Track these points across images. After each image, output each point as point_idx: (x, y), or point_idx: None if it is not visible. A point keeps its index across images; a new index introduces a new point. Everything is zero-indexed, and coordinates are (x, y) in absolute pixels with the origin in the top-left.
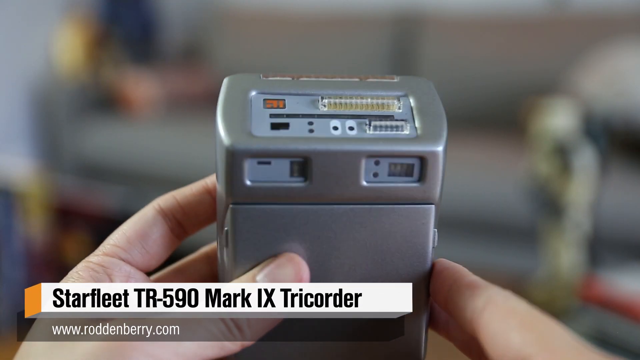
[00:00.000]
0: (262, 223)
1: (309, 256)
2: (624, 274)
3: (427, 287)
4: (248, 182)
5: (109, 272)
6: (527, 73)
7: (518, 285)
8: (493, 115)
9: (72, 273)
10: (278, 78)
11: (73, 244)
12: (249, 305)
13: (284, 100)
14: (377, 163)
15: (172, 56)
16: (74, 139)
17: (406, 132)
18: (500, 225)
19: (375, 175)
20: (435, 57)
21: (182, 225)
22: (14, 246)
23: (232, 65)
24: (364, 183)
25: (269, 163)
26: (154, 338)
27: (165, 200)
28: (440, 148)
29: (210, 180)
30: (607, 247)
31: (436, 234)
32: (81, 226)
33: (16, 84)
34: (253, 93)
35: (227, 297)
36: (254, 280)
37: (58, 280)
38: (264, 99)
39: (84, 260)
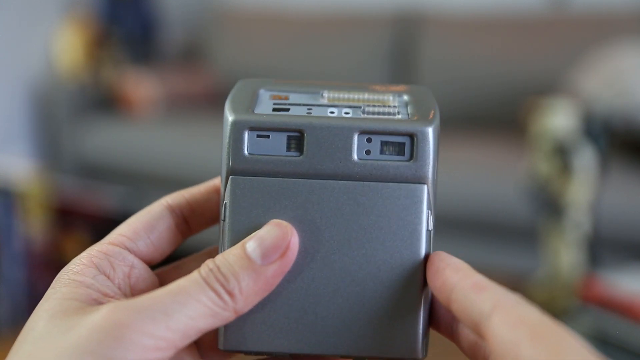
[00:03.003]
0: (258, 195)
1: (302, 230)
2: (624, 274)
3: (422, 270)
4: (247, 154)
5: (111, 260)
6: (527, 73)
7: (518, 285)
8: (493, 115)
9: (75, 260)
10: (287, 81)
11: (73, 244)
12: (240, 273)
13: (289, 95)
14: (369, 141)
15: (172, 56)
16: (74, 139)
17: (398, 116)
18: (500, 225)
19: (368, 152)
20: (435, 57)
21: (188, 222)
22: (14, 246)
23: (232, 65)
24: (356, 159)
25: (267, 137)
26: (145, 315)
27: (173, 197)
28: (429, 128)
29: (219, 180)
30: (607, 247)
31: (430, 216)
32: (81, 226)
33: (16, 84)
34: (261, 90)
35: (216, 266)
36: (243, 248)
37: None
38: (270, 94)
39: (88, 249)
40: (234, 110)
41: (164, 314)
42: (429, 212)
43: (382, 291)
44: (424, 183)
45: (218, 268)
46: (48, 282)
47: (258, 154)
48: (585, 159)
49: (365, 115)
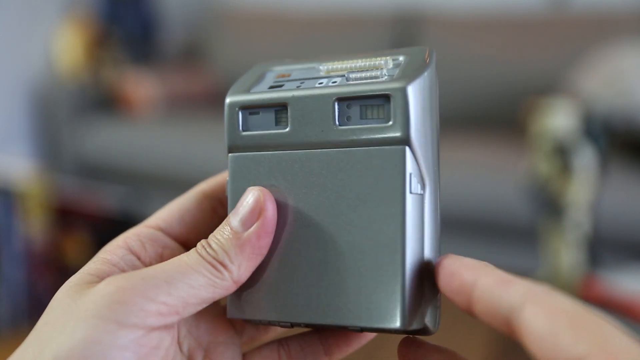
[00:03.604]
0: (252, 170)
1: (292, 200)
2: (624, 274)
3: (401, 235)
4: (241, 131)
5: (144, 241)
6: (527, 73)
7: None
8: (493, 115)
9: (112, 241)
10: (299, 59)
11: (73, 244)
12: (226, 244)
13: (292, 72)
14: (349, 107)
15: (172, 56)
16: (74, 139)
17: (382, 79)
18: (500, 225)
19: (349, 118)
20: (435, 57)
21: (223, 205)
22: (14, 246)
23: (232, 65)
24: (338, 126)
25: (257, 113)
26: (148, 281)
27: (208, 182)
28: (404, 85)
29: None
30: (607, 247)
31: (413, 178)
32: (81, 226)
33: (16, 84)
34: (270, 70)
35: (207, 242)
36: (227, 221)
37: (58, 280)
38: (276, 74)
39: (125, 232)
40: (231, 92)
41: (166, 281)
42: (411, 174)
43: (363, 259)
44: (405, 144)
45: (208, 244)
46: (48, 282)
47: (251, 131)
48: (585, 159)
49: (347, 82)
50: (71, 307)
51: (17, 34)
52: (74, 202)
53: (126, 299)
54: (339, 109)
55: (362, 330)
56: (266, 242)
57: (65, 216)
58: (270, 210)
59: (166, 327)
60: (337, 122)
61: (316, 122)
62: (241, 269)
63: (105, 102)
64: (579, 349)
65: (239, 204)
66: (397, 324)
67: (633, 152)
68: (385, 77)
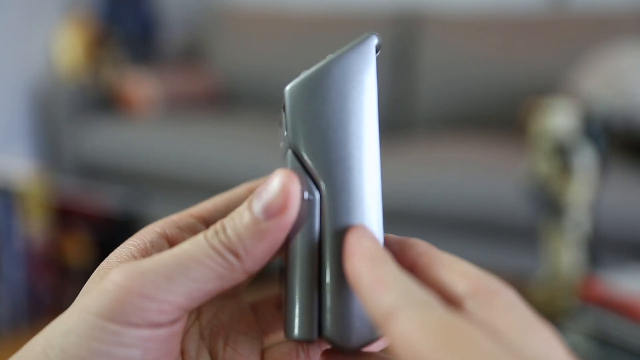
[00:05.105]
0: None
1: None
2: (624, 274)
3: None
4: (282, 130)
5: (182, 229)
6: (527, 73)
7: (518, 285)
8: (493, 115)
9: (150, 225)
10: None
11: (73, 244)
12: (244, 231)
13: None
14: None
15: (172, 56)
16: (74, 139)
17: None
18: (500, 225)
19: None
20: (435, 57)
21: None
22: (14, 246)
23: (232, 65)
24: (284, 132)
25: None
26: (147, 278)
27: (255, 182)
28: (286, 89)
29: None
30: (607, 247)
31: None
32: (81, 226)
33: (16, 84)
34: None
35: (222, 227)
36: (249, 204)
37: (58, 280)
38: None
39: (165, 217)
40: None
41: (166, 277)
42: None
43: (290, 269)
44: (290, 148)
45: (224, 229)
46: (48, 282)
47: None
48: (585, 159)
49: None
50: (77, 301)
51: (17, 34)
52: (74, 202)
53: (125, 298)
54: (284, 116)
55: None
56: (285, 234)
57: (65, 216)
58: (297, 201)
59: (173, 321)
60: (284, 129)
61: (284, 127)
62: (255, 261)
63: (105, 102)
64: None
65: (262, 187)
66: (292, 334)
67: (633, 152)
68: None
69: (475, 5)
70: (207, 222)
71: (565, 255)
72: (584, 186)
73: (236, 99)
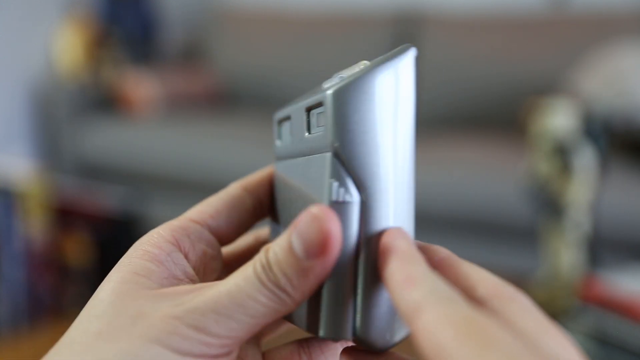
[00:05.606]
0: (279, 176)
1: (282, 209)
2: (624, 274)
3: None
4: (276, 142)
5: (192, 237)
6: (527, 73)
7: (518, 285)
8: (493, 115)
9: (155, 231)
10: None
11: (73, 244)
12: (288, 270)
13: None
14: (312, 116)
15: (172, 56)
16: (74, 139)
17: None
18: (500, 225)
19: (312, 127)
20: (435, 57)
21: (262, 205)
22: (14, 246)
23: (232, 65)
24: (307, 135)
25: (283, 125)
26: (210, 317)
27: (246, 180)
28: (328, 92)
29: None
30: (607, 247)
31: (334, 185)
32: (81, 226)
33: (16, 84)
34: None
35: (267, 262)
36: (289, 241)
37: (58, 280)
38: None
39: (168, 222)
40: (288, 104)
41: (227, 317)
42: (331, 180)
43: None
44: (332, 151)
45: (270, 266)
46: (48, 282)
47: (279, 142)
48: (585, 159)
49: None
50: (129, 326)
51: (17, 34)
52: (74, 202)
53: (186, 333)
54: (307, 118)
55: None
56: (330, 268)
57: (65, 216)
58: (338, 240)
59: (231, 352)
60: (306, 132)
61: (298, 132)
62: (304, 294)
63: (105, 102)
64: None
65: (301, 222)
66: (329, 333)
67: (633, 152)
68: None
69: (475, 5)
70: (212, 229)
71: (565, 255)
72: (584, 186)
73: (236, 99)
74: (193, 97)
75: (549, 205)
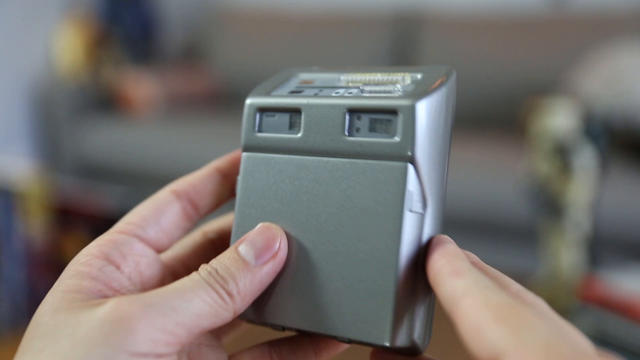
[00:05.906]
0: (263, 171)
1: (295, 205)
2: (624, 274)
3: (396, 252)
4: (257, 132)
5: (122, 249)
6: (527, 73)
7: None
8: (493, 115)
9: (84, 251)
10: (326, 67)
11: (73, 244)
12: (237, 274)
13: (315, 80)
14: (359, 118)
15: (172, 56)
16: (74, 139)
17: (394, 94)
18: (500, 225)
19: (358, 130)
20: (435, 57)
21: (195, 206)
22: (14, 246)
23: (232, 65)
24: (347, 136)
25: (273, 116)
26: (156, 309)
27: (177, 183)
28: (413, 102)
29: (221, 160)
30: (607, 247)
31: (413, 196)
32: (81, 226)
33: (16, 84)
34: (295, 75)
35: (213, 268)
36: (236, 250)
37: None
38: (301, 79)
39: (97, 239)
40: (253, 93)
41: (173, 310)
42: (411, 192)
43: (358, 271)
44: (408, 161)
45: (216, 270)
46: (48, 282)
47: (266, 133)
48: (585, 159)
49: (361, 94)
50: (70, 333)
51: (17, 34)
52: (74, 202)
53: (134, 327)
54: (349, 120)
55: (351, 342)
56: (272, 278)
57: (65, 216)
58: (285, 251)
59: (170, 354)
60: (346, 133)
61: (327, 131)
62: (244, 301)
63: (105, 102)
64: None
65: (252, 237)
66: (384, 341)
67: (633, 152)
68: (399, 92)
69: (475, 5)
70: (142, 238)
71: (565, 255)
72: (584, 186)
73: (236, 99)
74: (193, 97)
75: (549, 205)
